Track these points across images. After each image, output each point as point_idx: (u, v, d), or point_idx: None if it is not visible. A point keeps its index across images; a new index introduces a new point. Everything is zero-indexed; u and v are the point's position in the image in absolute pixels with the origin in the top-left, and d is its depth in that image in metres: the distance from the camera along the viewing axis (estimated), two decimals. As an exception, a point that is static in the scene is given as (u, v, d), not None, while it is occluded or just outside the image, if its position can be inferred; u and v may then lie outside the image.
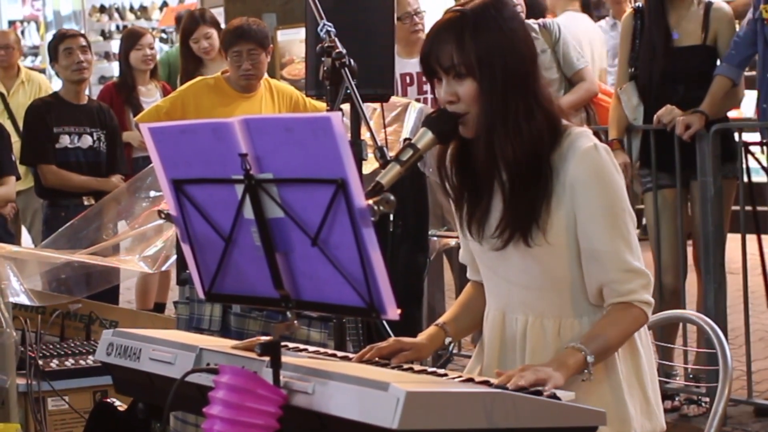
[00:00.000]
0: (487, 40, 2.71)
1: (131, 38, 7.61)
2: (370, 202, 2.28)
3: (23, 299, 4.87)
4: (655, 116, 5.54)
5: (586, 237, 2.75)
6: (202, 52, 7.31)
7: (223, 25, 7.86)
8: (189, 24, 7.46)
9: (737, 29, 5.64)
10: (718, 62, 5.58)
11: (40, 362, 4.64)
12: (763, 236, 5.76)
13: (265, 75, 5.79)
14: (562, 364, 2.63)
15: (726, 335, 3.17)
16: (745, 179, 5.59)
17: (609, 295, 2.77)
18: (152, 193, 5.52)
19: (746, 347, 5.59)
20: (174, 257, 5.19)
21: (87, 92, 6.75)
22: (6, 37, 8.85)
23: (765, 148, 5.86)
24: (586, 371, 2.67)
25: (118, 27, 16.97)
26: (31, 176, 6.99)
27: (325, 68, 3.69)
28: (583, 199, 2.73)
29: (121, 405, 3.39)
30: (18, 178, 6.55)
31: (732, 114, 6.14)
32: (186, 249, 2.59)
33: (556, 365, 2.61)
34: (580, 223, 2.75)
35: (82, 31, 8.91)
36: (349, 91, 3.68)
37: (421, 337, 2.94)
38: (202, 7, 7.68)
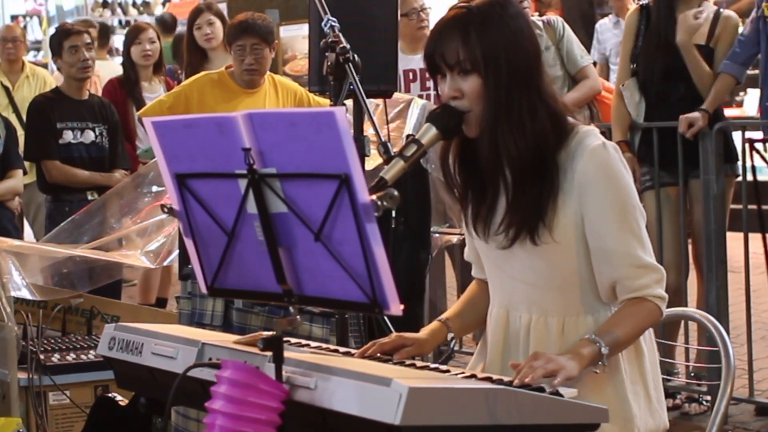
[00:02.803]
0: (492, 37, 2.71)
1: (132, 33, 7.62)
2: (374, 197, 2.27)
3: (25, 293, 4.87)
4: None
5: (597, 235, 2.75)
6: (204, 40, 7.31)
7: (226, 22, 7.87)
8: (194, 13, 7.51)
9: (740, 30, 5.65)
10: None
11: (42, 357, 4.64)
12: (767, 234, 5.76)
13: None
14: (577, 354, 2.63)
15: (728, 333, 3.17)
16: (749, 177, 5.59)
17: (622, 292, 2.77)
18: (155, 188, 5.52)
19: (748, 346, 5.58)
20: (176, 252, 5.19)
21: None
22: (13, 31, 8.87)
23: (768, 146, 5.87)
24: (600, 363, 2.67)
25: (120, 22, 16.98)
26: (34, 171, 6.99)
27: (328, 64, 3.69)
28: (593, 197, 2.73)
29: (122, 400, 3.39)
30: (25, 172, 6.56)
31: (735, 112, 6.14)
32: (189, 244, 2.58)
33: (570, 355, 2.61)
34: (590, 221, 2.75)
35: (84, 27, 8.91)
36: (352, 87, 3.67)
37: (424, 332, 2.94)
38: (209, 0, 7.72)
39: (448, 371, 2.61)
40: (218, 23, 7.37)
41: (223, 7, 10.77)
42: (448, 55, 2.72)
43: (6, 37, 8.67)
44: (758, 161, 5.60)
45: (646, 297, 2.76)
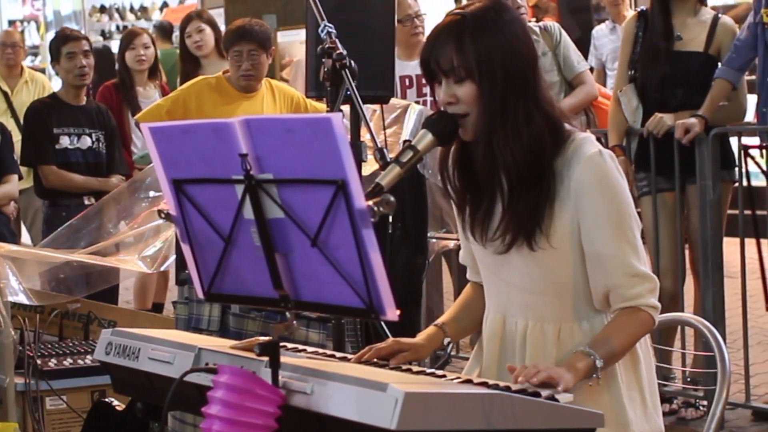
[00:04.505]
0: (487, 43, 2.71)
1: (127, 38, 7.64)
2: (370, 203, 2.28)
3: (22, 298, 4.87)
4: (645, 127, 5.56)
5: (592, 242, 2.75)
6: (194, 47, 7.34)
7: (222, 26, 7.90)
8: (184, 21, 7.54)
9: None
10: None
11: (39, 361, 4.64)
12: (762, 240, 5.77)
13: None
14: (572, 367, 2.63)
15: (724, 339, 3.18)
16: (745, 183, 5.60)
17: (615, 300, 2.77)
18: (152, 193, 5.52)
19: (744, 351, 5.59)
20: (173, 257, 5.19)
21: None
22: (12, 36, 8.87)
23: (765, 152, 5.87)
24: (594, 375, 2.67)
25: (118, 27, 16.97)
26: (31, 176, 6.99)
27: (325, 69, 3.70)
28: (588, 204, 2.73)
29: (119, 405, 3.39)
30: (20, 177, 6.56)
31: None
32: (185, 249, 2.59)
33: (566, 368, 2.61)
34: (585, 228, 2.75)
35: (82, 31, 8.93)
36: (349, 93, 3.68)
37: (420, 337, 2.94)
38: (201, 9, 7.76)
39: (444, 376, 2.61)
40: (208, 30, 7.40)
41: (220, 12, 10.81)
42: (442, 61, 2.73)
43: (5, 42, 8.67)
44: (752, 166, 5.60)
45: (639, 306, 2.76)
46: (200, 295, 2.61)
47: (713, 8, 5.89)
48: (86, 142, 6.44)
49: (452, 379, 2.58)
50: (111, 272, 5.38)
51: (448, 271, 6.74)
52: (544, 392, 2.47)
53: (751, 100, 5.85)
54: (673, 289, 5.60)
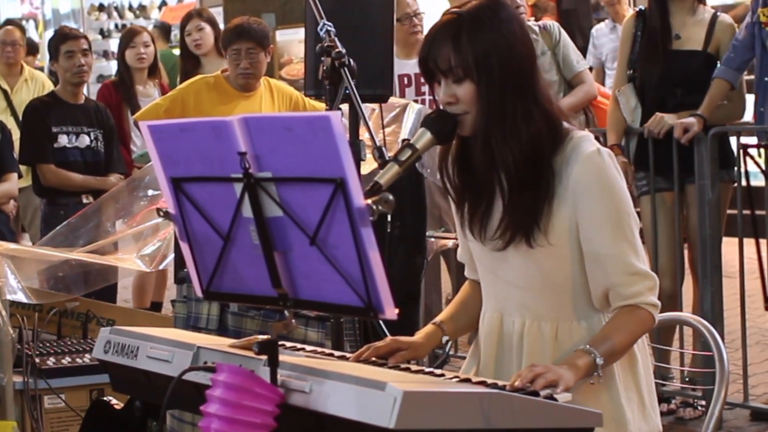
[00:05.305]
0: (484, 42, 2.71)
1: (127, 36, 7.64)
2: (369, 201, 2.27)
3: (20, 297, 4.87)
4: (645, 127, 5.56)
5: (590, 241, 2.75)
6: (194, 45, 7.34)
7: (221, 25, 7.90)
8: (184, 20, 7.54)
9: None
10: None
11: (37, 360, 4.64)
12: (761, 240, 5.77)
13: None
14: (573, 365, 2.63)
15: (723, 338, 3.19)
16: (744, 183, 5.60)
17: (615, 299, 2.77)
18: (150, 192, 5.52)
19: (743, 351, 5.59)
20: (171, 256, 5.19)
21: (84, 90, 6.76)
22: (13, 34, 8.87)
23: (763, 151, 5.87)
24: (595, 374, 2.67)
25: (116, 26, 16.96)
26: (30, 175, 6.99)
27: (324, 68, 3.70)
28: (587, 203, 2.73)
29: (117, 403, 3.39)
30: (20, 176, 6.55)
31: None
32: (184, 247, 2.59)
33: (566, 366, 2.62)
34: (584, 227, 2.75)
35: (81, 30, 8.92)
36: (348, 91, 3.68)
37: (419, 335, 2.94)
38: (201, 7, 7.75)
39: (442, 375, 2.61)
40: (208, 29, 7.40)
41: (219, 11, 10.80)
42: (440, 61, 2.73)
43: (5, 41, 8.67)
44: (752, 166, 5.60)
45: (639, 305, 2.76)
46: (199, 293, 2.61)
47: (712, 8, 5.89)
48: (85, 140, 6.44)
49: (451, 378, 2.58)
50: (109, 271, 5.38)
51: (446, 270, 6.74)
52: (543, 391, 2.47)
53: (750, 99, 5.85)
54: (671, 288, 5.60)
